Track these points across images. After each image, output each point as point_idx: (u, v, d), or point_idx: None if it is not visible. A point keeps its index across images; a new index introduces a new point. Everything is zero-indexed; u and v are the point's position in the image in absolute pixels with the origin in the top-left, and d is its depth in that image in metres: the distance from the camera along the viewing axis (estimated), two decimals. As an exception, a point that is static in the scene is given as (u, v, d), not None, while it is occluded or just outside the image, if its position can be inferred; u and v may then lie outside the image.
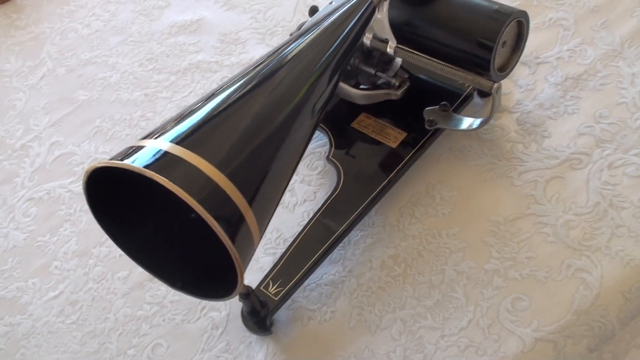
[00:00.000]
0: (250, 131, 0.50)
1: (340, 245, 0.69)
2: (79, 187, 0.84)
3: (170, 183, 0.42)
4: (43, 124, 0.94)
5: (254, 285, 0.66)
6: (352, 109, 0.76)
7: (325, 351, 0.64)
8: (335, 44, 0.61)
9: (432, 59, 0.67)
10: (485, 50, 0.62)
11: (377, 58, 0.72)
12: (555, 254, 0.64)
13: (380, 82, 0.73)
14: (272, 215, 0.53)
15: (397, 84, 0.71)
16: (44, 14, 1.10)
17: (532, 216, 0.67)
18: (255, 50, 0.93)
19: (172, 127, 0.47)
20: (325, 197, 0.71)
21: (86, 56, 1.01)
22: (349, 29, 0.62)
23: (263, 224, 0.49)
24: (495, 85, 0.63)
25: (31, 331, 0.74)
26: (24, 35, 1.08)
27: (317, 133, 0.78)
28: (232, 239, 0.44)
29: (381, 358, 0.62)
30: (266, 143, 0.51)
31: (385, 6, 0.66)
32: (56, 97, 0.98)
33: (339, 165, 0.72)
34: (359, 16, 0.63)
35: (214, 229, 0.43)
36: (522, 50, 0.67)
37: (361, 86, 0.74)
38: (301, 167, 0.78)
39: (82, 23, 1.07)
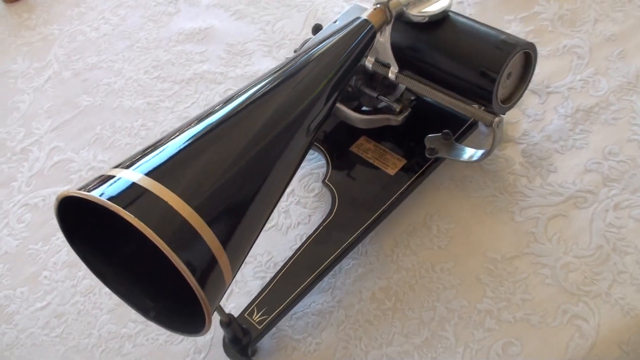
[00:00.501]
0: (230, 160, 0.48)
1: (331, 273, 0.67)
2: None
3: (136, 219, 0.40)
4: (44, 128, 0.93)
5: (240, 310, 0.64)
6: (353, 132, 0.74)
7: (307, 385, 0.62)
8: (334, 67, 0.59)
9: (434, 86, 0.65)
10: (488, 81, 0.60)
11: (380, 81, 0.70)
12: (552, 298, 0.61)
13: (381, 105, 0.71)
14: (249, 251, 0.50)
15: (398, 109, 0.69)
16: (54, 14, 1.09)
17: (531, 255, 0.64)
18: (260, 63, 0.91)
19: (145, 156, 0.45)
20: (320, 221, 0.68)
21: (92, 60, 1.00)
22: (348, 52, 0.60)
23: (237, 263, 0.47)
24: (496, 119, 0.60)
25: (15, 342, 0.73)
26: (33, 36, 1.07)
27: (316, 154, 0.76)
28: (202, 281, 0.42)
29: (364, 396, 0.60)
30: (247, 172, 0.49)
31: (387, 30, 0.64)
32: (60, 101, 0.96)
33: (335, 190, 0.70)
34: (359, 40, 0.61)
35: (179, 269, 0.41)
36: (529, 82, 0.64)
37: (362, 108, 0.71)
38: (297, 189, 0.76)
39: (91, 26, 1.05)
